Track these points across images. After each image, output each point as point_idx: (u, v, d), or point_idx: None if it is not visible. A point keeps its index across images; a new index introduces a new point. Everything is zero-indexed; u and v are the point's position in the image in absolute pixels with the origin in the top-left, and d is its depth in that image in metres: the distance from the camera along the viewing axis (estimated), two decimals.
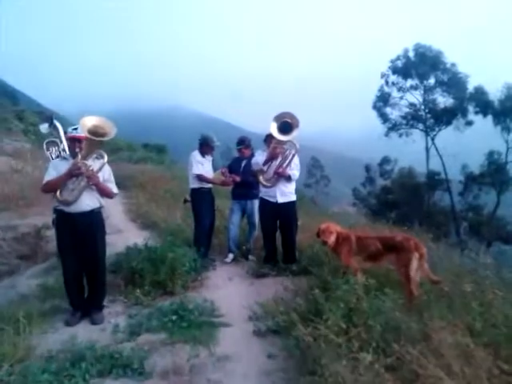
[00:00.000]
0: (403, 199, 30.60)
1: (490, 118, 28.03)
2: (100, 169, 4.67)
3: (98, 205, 4.74)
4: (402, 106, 30.99)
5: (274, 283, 5.47)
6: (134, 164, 18.11)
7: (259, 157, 5.84)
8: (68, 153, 4.65)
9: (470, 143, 30.80)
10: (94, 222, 4.73)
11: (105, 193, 4.77)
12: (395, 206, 30.48)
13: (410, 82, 30.84)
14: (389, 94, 30.96)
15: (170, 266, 5.48)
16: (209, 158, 6.75)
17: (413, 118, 30.67)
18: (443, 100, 30.09)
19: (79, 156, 4.53)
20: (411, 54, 30.51)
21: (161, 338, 4.24)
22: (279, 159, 5.67)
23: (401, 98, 31.13)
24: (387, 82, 31.17)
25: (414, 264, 4.37)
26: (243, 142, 6.82)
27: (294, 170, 5.82)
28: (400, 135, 30.93)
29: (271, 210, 5.78)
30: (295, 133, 5.46)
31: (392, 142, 31.10)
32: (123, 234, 8.67)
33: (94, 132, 4.41)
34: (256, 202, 6.76)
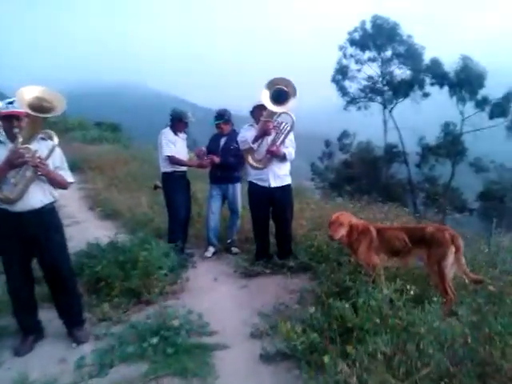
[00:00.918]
0: (362, 173, 30.30)
1: (446, 89, 27.86)
2: (49, 154, 3.50)
3: (50, 199, 3.59)
4: (361, 79, 30.26)
5: (270, 284, 4.55)
6: (89, 144, 16.47)
7: (247, 132, 4.79)
8: (3, 135, 3.49)
9: (427, 115, 30.65)
10: (47, 221, 3.58)
11: (58, 183, 3.61)
12: (354, 179, 30.13)
13: (367, 54, 30.06)
14: (347, 67, 30.08)
15: (144, 269, 4.43)
16: (182, 136, 5.65)
17: (371, 90, 30.04)
18: (400, 72, 29.67)
19: (19, 139, 3.33)
20: (368, 26, 29.79)
21: (141, 370, 3.21)
22: (272, 135, 4.64)
23: (358, 70, 30.43)
24: (345, 55, 30.25)
25: (450, 260, 3.54)
26: (222, 117, 5.73)
27: (289, 147, 4.82)
28: (359, 108, 30.28)
29: (263, 195, 4.78)
30: (292, 103, 4.45)
31: (351, 115, 30.53)
32: (81, 226, 7.46)
33: (37, 106, 3.23)
34: (238, 186, 5.77)
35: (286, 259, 4.77)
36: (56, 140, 3.54)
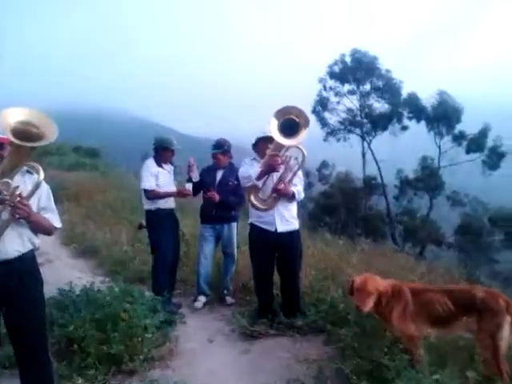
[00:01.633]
0: (341, 204, 29.92)
1: (423, 123, 27.97)
2: (34, 191, 2.72)
3: (29, 247, 2.81)
4: (340, 111, 30.13)
5: (276, 348, 3.78)
6: (66, 171, 15.45)
7: (250, 168, 4.08)
8: None
9: (406, 148, 30.74)
10: (23, 274, 2.78)
11: (41, 228, 2.86)
12: (333, 210, 29.71)
13: (347, 87, 30.06)
14: (327, 99, 29.97)
15: (126, 330, 3.61)
16: (168, 168, 4.91)
17: (350, 123, 29.88)
18: (379, 105, 29.73)
19: None
20: (348, 59, 29.92)
21: None
22: (280, 171, 3.95)
23: (338, 102, 30.37)
24: (325, 87, 30.21)
25: (506, 332, 2.86)
26: (221, 146, 5.02)
27: (298, 185, 4.13)
28: (338, 140, 30.06)
29: (268, 241, 4.03)
30: (303, 135, 3.77)
31: (330, 146, 30.26)
32: (53, 265, 6.55)
33: (23, 133, 2.48)
34: (234, 227, 5.03)
35: (293, 317, 4.00)
36: (42, 174, 2.75)
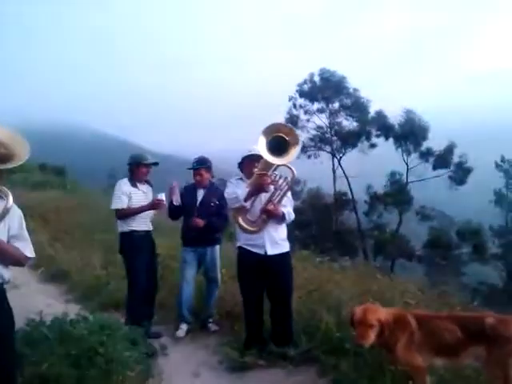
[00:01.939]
0: (312, 219, 30.01)
1: (391, 140, 28.48)
2: (1, 218, 2.39)
3: None
4: (310, 129, 30.40)
5: (268, 381, 3.49)
6: (31, 190, 14.77)
7: (236, 189, 3.83)
8: None
9: (375, 165, 31.16)
10: None
11: (11, 259, 2.53)
12: (305, 226, 29.71)
13: (316, 106, 30.46)
14: (297, 117, 30.29)
15: (105, 369, 3.27)
16: (144, 188, 4.59)
17: (320, 140, 30.13)
18: (347, 123, 30.13)
19: None
20: (317, 79, 30.32)
21: None
22: (269, 192, 3.72)
23: (308, 120, 30.66)
24: (295, 105, 30.58)
25: None
26: (205, 162, 4.77)
27: (288, 206, 3.91)
28: (309, 157, 30.24)
29: (257, 266, 3.77)
30: (293, 154, 3.57)
31: (301, 163, 30.40)
32: (19, 292, 6.04)
33: None
34: (217, 249, 4.75)
35: (284, 346, 3.73)
36: (10, 200, 2.41)
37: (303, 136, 30.42)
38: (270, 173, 3.70)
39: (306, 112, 30.70)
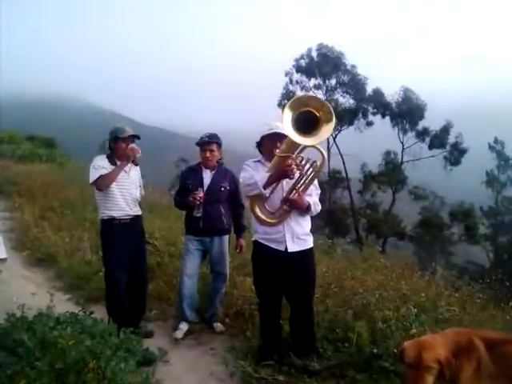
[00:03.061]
0: None
1: (388, 119, 27.81)
2: None
3: None
4: None
5: None
6: (18, 162, 13.91)
7: (254, 172, 3.19)
8: None
9: (370, 143, 30.58)
10: None
11: None
12: None
13: (313, 82, 29.65)
14: (293, 93, 29.25)
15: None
16: (127, 168, 3.86)
17: None
18: (344, 100, 29.35)
19: None
20: (314, 54, 29.36)
21: None
22: (293, 178, 3.07)
23: None
24: (291, 81, 29.63)
25: None
26: (217, 138, 4.09)
27: (314, 195, 3.28)
28: None
29: (276, 263, 3.14)
30: (325, 133, 2.92)
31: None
32: (2, 277, 5.44)
33: None
34: (226, 240, 4.11)
35: (306, 358, 3.15)
36: None
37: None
38: (294, 155, 3.05)
39: (302, 88, 29.77)
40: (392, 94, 27.64)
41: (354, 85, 28.85)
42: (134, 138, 3.89)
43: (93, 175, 3.70)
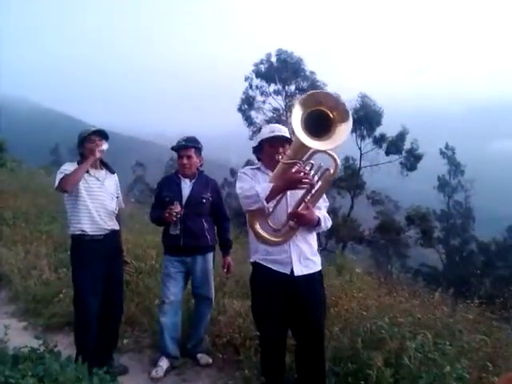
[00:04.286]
0: None
1: None
2: None
3: None
4: (267, 111, 29.29)
5: None
6: None
7: (253, 182, 2.69)
8: None
9: None
10: None
11: None
12: None
13: (273, 87, 29.36)
14: (253, 98, 29.01)
15: None
16: (101, 174, 3.32)
17: (277, 122, 29.14)
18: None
19: None
20: (274, 59, 29.14)
21: None
22: (303, 189, 2.58)
23: (264, 102, 29.50)
24: (251, 86, 29.23)
25: None
26: (195, 142, 3.56)
27: (322, 208, 2.81)
28: None
29: (280, 289, 2.63)
30: (341, 136, 2.46)
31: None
32: None
33: None
34: (210, 259, 3.58)
35: None
36: None
37: (259, 118, 29.36)
38: (303, 162, 2.57)
39: (262, 93, 29.50)
40: (350, 100, 27.77)
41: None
42: (100, 135, 3.30)
43: (57, 179, 3.10)
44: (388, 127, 27.21)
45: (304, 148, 2.50)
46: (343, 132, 2.45)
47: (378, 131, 27.23)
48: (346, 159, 28.54)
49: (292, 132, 2.84)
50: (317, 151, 2.57)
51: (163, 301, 3.41)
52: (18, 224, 7.12)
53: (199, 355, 3.49)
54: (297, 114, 2.41)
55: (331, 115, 2.46)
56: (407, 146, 27.00)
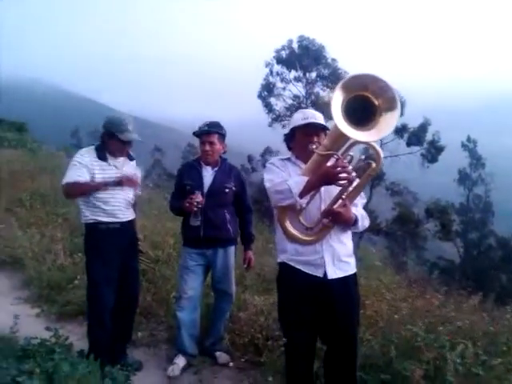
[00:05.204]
0: None
1: None
2: None
3: None
4: (287, 98, 28.89)
5: None
6: None
7: (284, 175, 2.44)
8: None
9: None
10: None
11: None
12: None
13: (293, 74, 28.89)
14: (273, 84, 28.60)
15: None
16: (119, 162, 3.08)
17: (296, 109, 28.68)
18: (324, 94, 28.71)
19: None
20: (295, 46, 28.61)
21: None
22: (341, 184, 2.31)
23: (284, 88, 29.05)
24: (271, 72, 28.81)
25: None
26: (219, 127, 3.29)
27: (359, 206, 2.54)
28: (283, 126, 28.77)
29: (311, 293, 2.38)
30: (387, 126, 2.17)
31: (275, 132, 28.89)
32: None
33: None
34: (232, 253, 3.34)
35: None
36: None
37: (279, 105, 28.95)
38: (340, 153, 2.31)
39: (282, 80, 29.06)
40: None
41: (335, 79, 28.21)
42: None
43: (68, 175, 2.91)
44: (409, 118, 26.55)
45: (343, 138, 2.24)
46: (389, 122, 2.18)
47: (399, 121, 26.67)
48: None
49: (327, 119, 2.60)
50: (357, 142, 2.30)
51: (180, 295, 3.20)
52: (34, 206, 6.98)
53: (218, 353, 3.28)
54: (337, 99, 2.14)
55: (376, 102, 2.18)
56: (428, 137, 26.40)
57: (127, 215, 3.09)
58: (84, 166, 2.91)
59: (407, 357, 2.66)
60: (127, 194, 3.09)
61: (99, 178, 2.94)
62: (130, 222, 3.15)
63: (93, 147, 3.04)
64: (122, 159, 3.11)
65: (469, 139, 35.38)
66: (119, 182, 2.96)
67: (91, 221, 2.99)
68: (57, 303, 4.21)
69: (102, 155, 2.99)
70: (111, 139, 3.00)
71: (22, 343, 2.92)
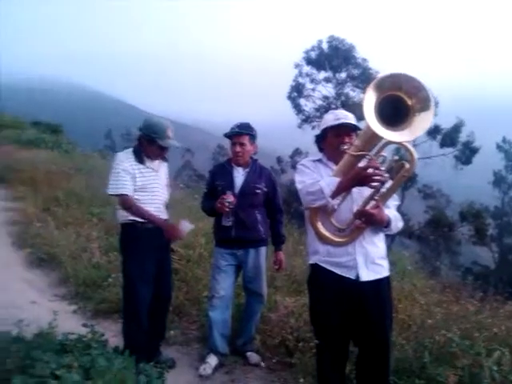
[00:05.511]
0: None
1: None
2: None
3: None
4: (316, 98, 28.73)
5: None
6: (22, 147, 13.14)
7: (315, 175, 2.44)
8: None
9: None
10: None
11: None
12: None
13: (323, 74, 28.70)
14: (303, 85, 28.50)
15: None
16: (155, 164, 3.14)
17: (326, 110, 28.55)
18: (354, 94, 28.43)
19: None
20: (325, 46, 28.43)
21: None
22: (374, 186, 2.30)
23: (313, 89, 28.90)
24: (301, 73, 28.73)
25: None
26: (249, 128, 3.32)
27: (391, 208, 2.52)
28: (313, 127, 28.65)
29: (343, 296, 2.37)
30: (421, 126, 2.15)
31: (305, 133, 28.79)
32: (1, 278, 4.75)
33: None
34: (263, 253, 3.36)
35: None
36: None
37: (308, 106, 28.80)
38: (372, 154, 2.29)
39: (312, 81, 28.91)
40: None
41: (366, 79, 27.86)
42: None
43: (115, 186, 2.99)
44: (442, 119, 25.94)
45: (375, 138, 2.24)
46: (423, 123, 2.17)
47: (432, 122, 26.10)
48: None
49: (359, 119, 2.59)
50: (390, 143, 2.28)
51: (213, 295, 3.25)
52: (70, 205, 7.20)
53: (249, 353, 3.31)
54: (370, 99, 2.14)
55: (409, 102, 2.17)
56: (462, 138, 25.73)
57: (162, 215, 3.16)
58: (128, 174, 2.98)
59: (441, 362, 2.61)
60: (164, 196, 3.17)
61: (139, 181, 3.02)
62: (166, 221, 3.22)
63: (130, 150, 3.11)
64: (157, 161, 3.18)
65: (504, 140, 34.33)
66: (164, 227, 3.08)
67: (129, 221, 3.06)
68: (92, 300, 4.32)
69: (139, 158, 3.06)
70: (151, 145, 3.05)
71: (61, 338, 3.02)
